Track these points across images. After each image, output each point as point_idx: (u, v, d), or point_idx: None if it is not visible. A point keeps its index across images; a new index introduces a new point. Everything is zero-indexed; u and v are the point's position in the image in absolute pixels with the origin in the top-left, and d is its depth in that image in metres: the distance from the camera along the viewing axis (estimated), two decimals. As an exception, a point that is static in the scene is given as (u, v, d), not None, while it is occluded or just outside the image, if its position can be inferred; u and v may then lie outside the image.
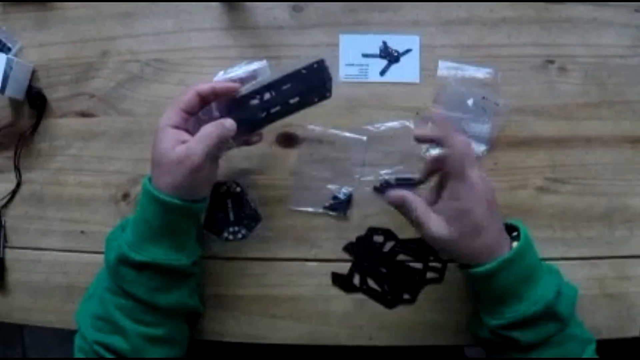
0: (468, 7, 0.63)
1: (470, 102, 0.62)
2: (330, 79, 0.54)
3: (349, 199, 0.62)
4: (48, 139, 0.66)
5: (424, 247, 0.62)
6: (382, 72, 0.63)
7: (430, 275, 0.62)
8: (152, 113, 0.64)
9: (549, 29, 0.63)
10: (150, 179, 0.53)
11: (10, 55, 0.63)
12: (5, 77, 0.60)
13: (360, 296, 0.62)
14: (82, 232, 0.65)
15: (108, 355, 0.51)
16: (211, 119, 0.54)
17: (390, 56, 0.63)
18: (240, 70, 0.63)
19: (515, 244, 0.52)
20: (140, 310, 0.52)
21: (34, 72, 0.66)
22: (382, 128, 0.62)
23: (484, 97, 0.61)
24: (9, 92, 0.61)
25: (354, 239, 0.62)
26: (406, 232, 0.62)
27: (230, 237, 0.63)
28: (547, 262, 0.56)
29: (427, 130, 0.52)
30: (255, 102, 0.55)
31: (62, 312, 0.64)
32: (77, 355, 0.53)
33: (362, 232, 0.62)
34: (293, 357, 0.69)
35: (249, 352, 0.69)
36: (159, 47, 0.65)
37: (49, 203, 0.65)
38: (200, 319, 0.63)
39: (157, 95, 0.64)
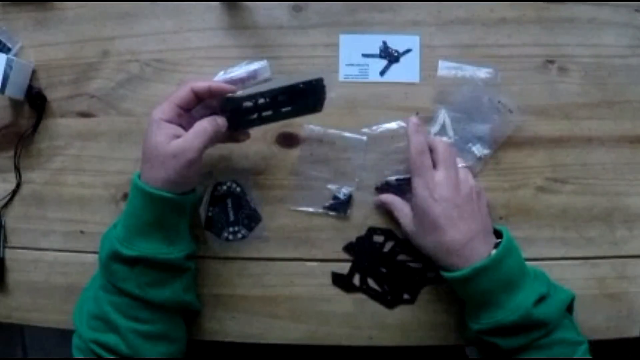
0: (468, 7, 0.63)
1: (474, 102, 0.62)
2: (324, 98, 0.57)
3: (349, 199, 0.62)
4: (48, 139, 0.66)
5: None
6: (382, 72, 0.63)
7: (430, 275, 0.62)
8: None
9: (549, 29, 0.63)
10: (139, 175, 0.53)
11: (10, 55, 0.63)
12: (5, 77, 0.60)
13: (360, 296, 0.62)
14: (82, 232, 0.65)
15: (104, 354, 0.51)
16: (203, 115, 0.55)
17: (390, 56, 0.63)
18: (241, 70, 0.63)
19: (494, 251, 0.52)
20: (134, 306, 0.52)
21: (34, 72, 0.66)
22: (380, 129, 0.62)
23: (490, 99, 0.61)
24: (9, 92, 0.61)
25: (354, 239, 0.62)
26: (406, 232, 0.62)
27: (230, 237, 0.63)
28: (535, 267, 0.56)
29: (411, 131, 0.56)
30: (248, 104, 0.56)
31: (62, 312, 0.64)
32: (75, 354, 0.53)
33: (362, 232, 0.62)
34: (293, 357, 0.69)
35: (249, 352, 0.69)
36: (159, 47, 0.65)
37: (49, 203, 0.65)
38: (200, 319, 0.63)
39: (157, 95, 0.64)
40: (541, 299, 0.51)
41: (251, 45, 0.64)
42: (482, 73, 0.62)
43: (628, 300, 0.61)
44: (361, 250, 0.62)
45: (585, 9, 0.63)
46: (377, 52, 0.63)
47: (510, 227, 0.60)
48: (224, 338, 0.63)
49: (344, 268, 0.62)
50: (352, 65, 0.63)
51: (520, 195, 0.62)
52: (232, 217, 0.63)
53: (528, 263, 0.55)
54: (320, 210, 0.62)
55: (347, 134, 0.63)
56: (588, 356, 0.52)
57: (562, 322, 0.52)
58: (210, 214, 0.63)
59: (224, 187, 0.63)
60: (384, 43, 0.63)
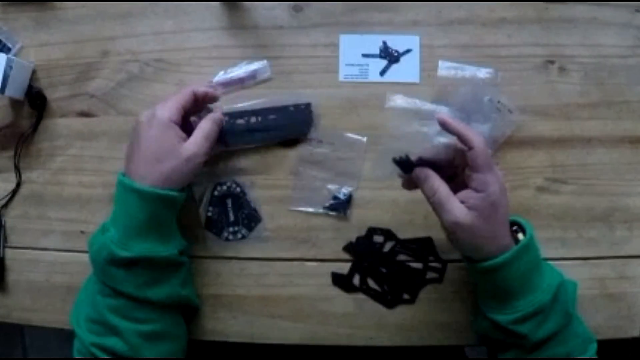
0: (468, 7, 0.63)
1: (474, 102, 0.62)
2: (312, 122, 0.62)
3: (349, 199, 0.62)
4: (48, 139, 0.66)
5: (424, 247, 0.62)
6: (382, 72, 0.63)
7: (430, 275, 0.62)
8: (152, 113, 0.64)
9: (549, 29, 0.63)
10: (123, 174, 0.54)
11: (10, 55, 0.63)
12: (5, 77, 0.60)
13: (360, 296, 0.62)
14: (82, 232, 0.65)
15: (106, 357, 0.51)
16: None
17: (390, 56, 0.63)
18: (241, 70, 0.63)
19: (520, 235, 0.53)
20: (132, 307, 0.52)
21: (34, 72, 0.66)
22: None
23: (490, 99, 0.61)
24: (9, 92, 0.61)
25: (354, 239, 0.62)
26: (406, 232, 0.62)
27: (230, 237, 0.63)
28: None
29: (452, 120, 0.51)
30: (241, 121, 0.61)
31: (62, 312, 0.64)
32: (76, 356, 0.53)
33: (362, 232, 0.62)
34: (293, 357, 0.69)
35: (249, 352, 0.69)
36: (159, 47, 0.65)
37: (49, 203, 0.65)
38: (200, 319, 0.63)
39: (157, 95, 0.64)
40: (561, 282, 0.53)
41: (251, 45, 0.64)
42: (482, 73, 0.62)
43: (628, 300, 0.61)
44: (361, 250, 0.62)
45: (585, 9, 0.63)
46: (377, 52, 0.63)
47: (510, 227, 0.61)
48: (224, 338, 0.63)
49: (344, 268, 0.62)
50: (352, 65, 0.63)
51: (520, 195, 0.62)
52: (232, 217, 0.63)
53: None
54: (320, 210, 0.62)
55: (347, 134, 0.63)
56: (596, 356, 0.53)
57: (575, 313, 0.54)
58: (210, 214, 0.63)
59: (224, 187, 0.63)
60: (384, 43, 0.63)
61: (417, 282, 0.62)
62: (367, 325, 0.62)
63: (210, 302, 0.63)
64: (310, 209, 0.63)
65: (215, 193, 0.63)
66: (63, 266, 0.65)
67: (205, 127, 0.55)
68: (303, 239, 0.63)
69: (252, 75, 0.63)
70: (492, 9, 0.63)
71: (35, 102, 0.65)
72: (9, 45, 0.65)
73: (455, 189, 0.51)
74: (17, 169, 0.66)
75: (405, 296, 0.62)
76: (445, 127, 0.52)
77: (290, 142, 0.62)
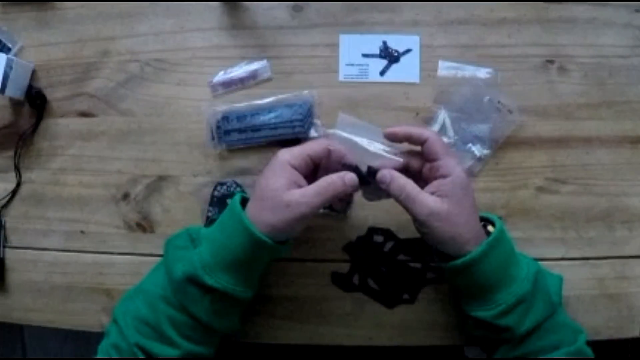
0: (468, 7, 0.63)
1: (474, 102, 0.62)
2: (312, 122, 0.62)
3: (349, 199, 0.62)
4: (48, 139, 0.66)
5: (424, 247, 0.62)
6: (382, 72, 0.63)
7: (430, 275, 0.62)
8: (152, 113, 0.64)
9: (549, 29, 0.63)
10: (241, 202, 0.52)
11: (10, 55, 0.63)
12: (5, 77, 0.60)
13: (360, 296, 0.62)
14: (82, 232, 0.65)
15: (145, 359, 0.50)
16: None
17: (390, 56, 0.63)
18: (241, 70, 0.64)
19: (490, 227, 0.53)
20: (194, 327, 0.51)
21: (34, 72, 0.66)
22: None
23: (490, 99, 0.61)
24: (9, 92, 0.61)
25: (354, 239, 0.62)
26: (406, 232, 0.62)
27: (230, 237, 0.63)
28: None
29: (396, 128, 0.52)
30: (240, 121, 0.61)
31: (62, 312, 0.64)
32: (109, 350, 0.52)
33: (362, 232, 0.62)
34: (293, 357, 0.69)
35: (249, 352, 0.69)
36: (159, 47, 0.65)
37: (49, 203, 0.65)
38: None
39: (157, 95, 0.64)
40: (539, 270, 0.53)
41: (251, 45, 0.64)
42: (482, 73, 0.62)
43: (628, 300, 0.61)
44: (361, 250, 0.62)
45: (585, 9, 0.63)
46: (377, 52, 0.63)
47: (510, 227, 0.61)
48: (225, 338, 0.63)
49: (344, 268, 0.62)
50: (352, 65, 0.63)
51: (520, 196, 0.62)
52: (232, 217, 0.63)
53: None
54: (321, 210, 0.62)
55: (347, 134, 0.62)
56: (587, 347, 0.53)
57: (561, 306, 0.54)
58: (210, 214, 0.63)
59: (224, 187, 0.63)
60: (384, 43, 0.63)
61: (417, 282, 0.62)
62: (366, 325, 0.62)
63: (210, 302, 0.63)
64: (310, 209, 0.62)
65: (215, 193, 0.63)
66: (63, 266, 0.65)
67: (326, 182, 0.50)
68: (303, 239, 0.63)
69: (252, 75, 0.63)
70: (492, 9, 0.63)
71: (35, 102, 0.65)
72: (9, 45, 0.65)
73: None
74: (17, 169, 0.66)
75: (405, 296, 0.62)
76: (393, 138, 0.52)
77: (290, 142, 0.62)
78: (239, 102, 0.63)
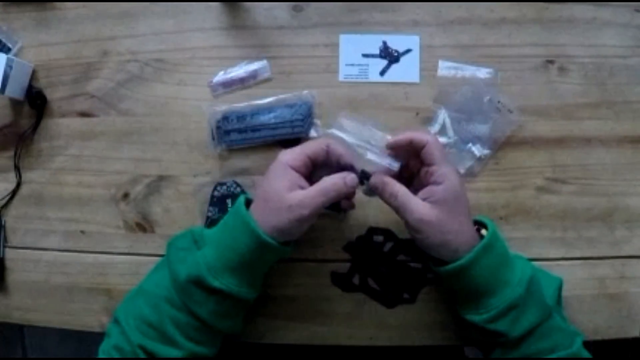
0: (468, 7, 0.63)
1: (474, 102, 0.62)
2: (312, 122, 0.62)
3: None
4: (48, 139, 0.66)
5: (424, 247, 0.62)
6: (382, 72, 0.63)
7: (430, 275, 0.62)
8: (152, 113, 0.64)
9: (549, 29, 0.63)
10: (246, 203, 0.52)
11: (10, 55, 0.63)
12: (5, 77, 0.60)
13: (360, 296, 0.62)
14: (82, 232, 0.65)
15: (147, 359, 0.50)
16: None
17: (390, 56, 0.63)
18: (241, 70, 0.64)
19: (484, 231, 0.53)
20: (197, 328, 0.52)
21: (34, 72, 0.66)
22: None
23: (490, 99, 0.61)
24: (9, 92, 0.61)
25: (354, 239, 0.62)
26: (406, 232, 0.62)
27: (230, 237, 0.63)
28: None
29: (399, 137, 0.52)
30: (241, 121, 0.61)
31: (62, 312, 0.64)
32: (111, 352, 0.51)
33: (362, 232, 0.62)
34: (293, 357, 0.69)
35: (248, 352, 0.69)
36: (159, 47, 0.65)
37: (49, 203, 0.65)
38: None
39: (157, 95, 0.64)
40: (533, 275, 0.53)
41: (251, 45, 0.64)
42: (482, 73, 0.62)
43: (628, 300, 0.61)
44: (361, 250, 0.62)
45: (585, 9, 0.63)
46: (377, 52, 0.63)
47: (510, 227, 0.61)
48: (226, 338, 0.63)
49: (344, 268, 0.62)
50: (352, 65, 0.63)
51: (520, 195, 0.62)
52: (232, 217, 0.63)
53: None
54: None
55: (343, 135, 0.62)
56: (584, 350, 0.53)
57: (557, 309, 0.54)
58: (210, 214, 0.63)
59: (224, 187, 0.63)
60: (384, 43, 0.63)
61: (417, 282, 0.62)
62: (367, 325, 0.62)
63: (210, 302, 0.63)
64: (310, 209, 0.62)
65: (215, 193, 0.63)
66: (63, 266, 0.65)
67: (327, 183, 0.50)
68: (303, 238, 0.62)
69: (252, 75, 0.63)
70: (492, 9, 0.63)
71: (35, 102, 0.65)
72: (9, 45, 0.66)
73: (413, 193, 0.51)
74: (17, 169, 0.66)
75: (405, 296, 0.62)
76: (394, 147, 0.52)
77: (290, 142, 0.62)
78: (239, 102, 0.63)
